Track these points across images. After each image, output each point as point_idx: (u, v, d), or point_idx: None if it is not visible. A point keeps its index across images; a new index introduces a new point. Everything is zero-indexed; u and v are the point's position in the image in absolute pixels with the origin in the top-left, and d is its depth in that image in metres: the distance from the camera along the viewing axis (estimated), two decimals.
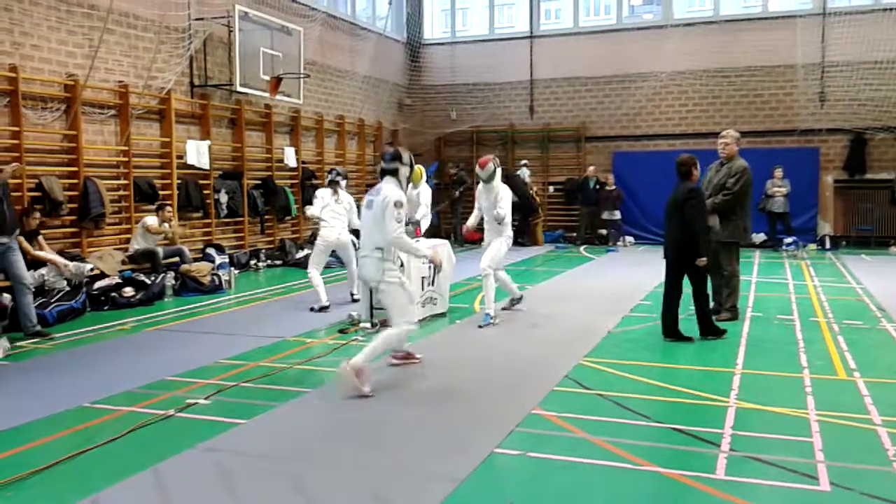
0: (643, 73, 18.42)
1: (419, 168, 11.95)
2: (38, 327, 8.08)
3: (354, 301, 9.53)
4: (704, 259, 7.53)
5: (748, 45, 17.27)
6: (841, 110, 16.93)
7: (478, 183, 9.05)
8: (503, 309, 9.09)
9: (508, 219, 8.72)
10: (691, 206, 7.47)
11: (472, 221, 9.23)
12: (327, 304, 9.35)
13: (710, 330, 7.69)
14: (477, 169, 8.86)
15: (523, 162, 18.62)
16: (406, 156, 6.17)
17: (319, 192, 9.79)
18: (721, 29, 17.81)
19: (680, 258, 7.60)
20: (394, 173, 6.05)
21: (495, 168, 8.67)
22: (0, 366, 6.85)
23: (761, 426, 4.99)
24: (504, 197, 8.67)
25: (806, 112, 17.30)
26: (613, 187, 18.21)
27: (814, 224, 17.37)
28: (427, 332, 8.22)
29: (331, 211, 9.52)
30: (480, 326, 8.28)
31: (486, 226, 8.98)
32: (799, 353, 7.08)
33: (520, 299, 9.31)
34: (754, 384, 6.03)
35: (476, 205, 9.11)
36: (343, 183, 9.74)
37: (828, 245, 16.82)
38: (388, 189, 5.94)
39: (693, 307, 7.72)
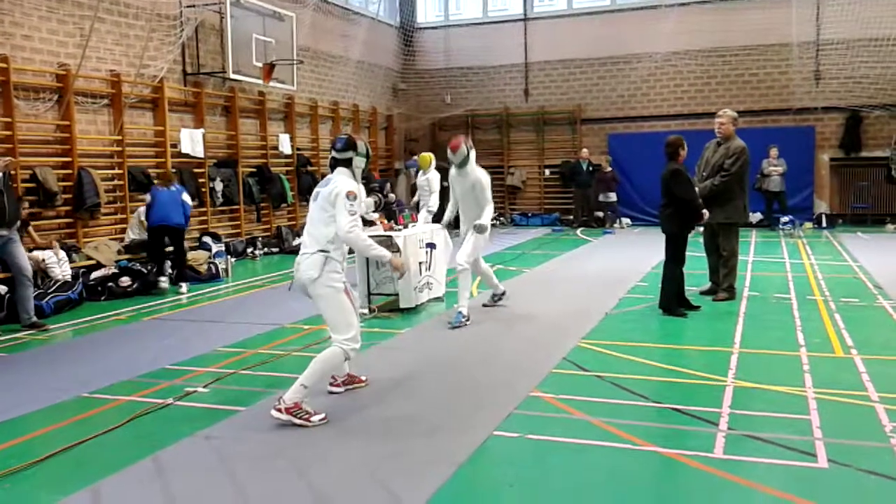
0: (638, 55, 18.34)
1: (429, 154, 11.95)
2: (35, 319, 8.07)
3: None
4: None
5: (743, 24, 17.18)
6: (836, 88, 16.89)
7: (450, 168, 8.11)
8: (484, 305, 8.48)
9: (490, 209, 7.89)
10: (676, 182, 7.76)
11: (448, 216, 8.40)
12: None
13: (668, 305, 7.87)
14: (448, 153, 7.87)
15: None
16: (361, 144, 5.22)
17: None
18: (715, 8, 17.70)
19: (667, 231, 7.95)
20: (347, 163, 5.16)
21: (468, 151, 7.75)
22: None
23: (759, 405, 5.00)
24: (486, 188, 7.82)
25: (801, 91, 17.26)
26: (609, 169, 18.18)
27: (810, 203, 17.41)
28: (424, 316, 8.24)
29: None
30: (453, 327, 7.50)
31: (461, 216, 8.15)
32: (796, 331, 7.10)
33: (502, 295, 8.62)
34: (752, 363, 6.04)
35: (451, 195, 8.24)
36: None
37: (824, 223, 16.83)
38: (338, 180, 5.06)
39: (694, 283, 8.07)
